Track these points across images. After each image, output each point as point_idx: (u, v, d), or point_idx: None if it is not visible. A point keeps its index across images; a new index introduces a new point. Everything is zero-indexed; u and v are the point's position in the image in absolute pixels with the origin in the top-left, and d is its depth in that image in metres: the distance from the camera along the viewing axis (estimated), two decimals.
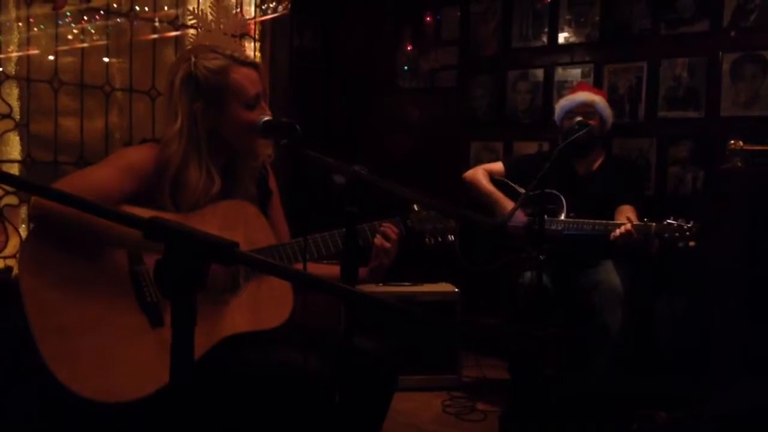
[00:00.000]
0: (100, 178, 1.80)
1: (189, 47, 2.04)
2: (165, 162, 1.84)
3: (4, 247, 3.15)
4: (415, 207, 2.00)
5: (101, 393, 1.66)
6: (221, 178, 1.91)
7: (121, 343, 1.72)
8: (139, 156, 1.88)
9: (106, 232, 1.70)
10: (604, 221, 3.01)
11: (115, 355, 1.70)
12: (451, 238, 2.03)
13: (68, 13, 3.36)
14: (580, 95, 3.35)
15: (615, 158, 3.57)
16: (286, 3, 4.00)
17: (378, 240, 1.94)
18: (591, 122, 3.21)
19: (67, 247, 1.73)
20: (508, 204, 3.28)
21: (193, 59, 1.88)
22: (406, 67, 4.79)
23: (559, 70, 4.19)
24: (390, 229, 1.96)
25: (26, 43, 3.25)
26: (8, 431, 2.27)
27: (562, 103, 3.40)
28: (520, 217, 3.20)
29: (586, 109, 3.28)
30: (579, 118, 3.18)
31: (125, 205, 1.79)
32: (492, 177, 3.48)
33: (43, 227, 1.74)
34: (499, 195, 3.36)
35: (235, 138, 1.93)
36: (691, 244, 2.84)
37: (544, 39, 4.24)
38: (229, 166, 1.98)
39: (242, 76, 1.89)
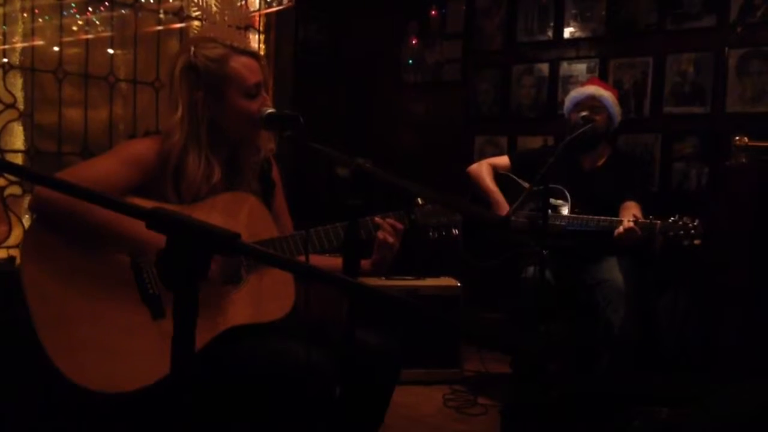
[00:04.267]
0: (103, 169, 1.80)
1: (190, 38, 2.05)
2: (167, 153, 1.84)
3: (8, 236, 3.15)
4: (419, 200, 1.99)
5: (102, 383, 1.66)
6: (221, 167, 1.90)
7: (122, 335, 1.72)
8: (142, 148, 1.87)
9: (105, 226, 1.70)
10: (608, 218, 3.00)
11: (116, 346, 1.71)
12: (456, 231, 2.02)
13: (73, 4, 3.36)
14: (589, 88, 3.34)
15: (620, 154, 3.56)
16: None
17: (381, 234, 1.93)
18: (597, 117, 3.20)
19: (70, 238, 1.73)
20: (505, 206, 3.27)
21: (192, 49, 1.88)
22: (410, 61, 4.77)
23: (564, 65, 4.18)
24: (393, 223, 1.95)
25: (31, 33, 3.24)
26: (10, 420, 2.28)
27: (572, 95, 3.40)
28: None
29: (594, 102, 3.28)
30: (585, 113, 3.18)
31: (128, 196, 1.79)
32: (496, 171, 3.47)
33: (42, 219, 1.74)
34: (498, 196, 3.35)
35: (235, 128, 1.92)
36: (696, 242, 2.82)
37: (550, 33, 4.23)
38: (231, 160, 1.97)
39: (241, 64, 1.89)
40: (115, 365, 1.69)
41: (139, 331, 1.73)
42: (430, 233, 2.01)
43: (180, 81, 1.87)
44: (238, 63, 1.89)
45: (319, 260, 2.01)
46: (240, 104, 1.89)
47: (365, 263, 1.95)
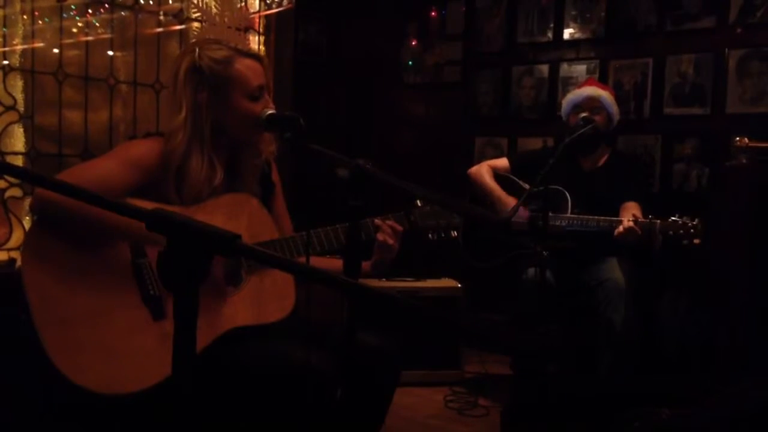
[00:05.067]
0: (103, 170, 1.80)
1: (194, 40, 2.06)
2: (169, 154, 1.85)
3: (8, 239, 3.15)
4: (419, 202, 1.99)
5: (103, 385, 1.67)
6: (223, 169, 1.91)
7: (123, 336, 1.72)
8: (143, 149, 1.88)
9: (108, 223, 1.70)
10: (608, 218, 3.00)
11: (117, 347, 1.71)
12: (455, 234, 2.02)
13: (73, 6, 3.36)
14: (587, 89, 3.34)
15: (620, 155, 3.56)
16: None
17: (380, 236, 1.94)
18: (597, 118, 3.21)
19: (70, 240, 1.73)
20: (509, 202, 3.28)
21: (197, 50, 1.89)
22: (410, 62, 4.77)
23: (564, 66, 4.17)
24: (393, 225, 1.95)
25: (31, 35, 3.24)
26: (10, 420, 2.28)
27: (569, 97, 3.40)
28: (522, 213, 3.19)
29: (593, 104, 3.28)
30: (584, 114, 3.18)
31: (129, 197, 1.79)
32: (496, 173, 3.47)
33: (44, 219, 1.74)
34: (500, 193, 3.36)
35: (238, 130, 1.93)
36: (696, 241, 2.83)
37: (550, 35, 4.23)
38: (232, 162, 1.98)
39: (245, 66, 1.90)
40: (116, 366, 1.69)
41: (140, 332, 1.74)
42: (430, 235, 2.01)
43: (184, 82, 1.88)
44: (242, 65, 1.89)
45: (319, 262, 2.01)
46: (243, 106, 1.89)
47: (365, 265, 1.95)
